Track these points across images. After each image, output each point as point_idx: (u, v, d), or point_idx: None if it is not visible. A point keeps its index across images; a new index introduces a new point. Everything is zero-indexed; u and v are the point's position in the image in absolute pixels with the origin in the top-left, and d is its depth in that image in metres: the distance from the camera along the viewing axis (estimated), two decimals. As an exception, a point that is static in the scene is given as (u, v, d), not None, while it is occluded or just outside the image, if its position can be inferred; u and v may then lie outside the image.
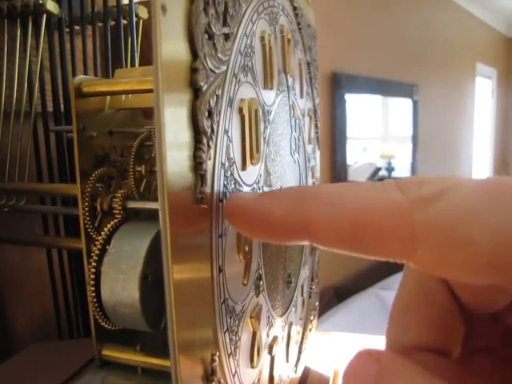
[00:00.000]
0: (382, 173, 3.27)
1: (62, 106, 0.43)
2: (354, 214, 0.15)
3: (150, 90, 0.31)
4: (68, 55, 0.44)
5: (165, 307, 0.16)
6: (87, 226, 0.32)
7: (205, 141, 0.18)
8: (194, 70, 0.18)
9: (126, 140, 0.37)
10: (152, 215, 0.34)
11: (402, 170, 3.03)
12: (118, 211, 0.32)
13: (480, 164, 3.73)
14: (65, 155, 0.41)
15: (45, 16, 0.42)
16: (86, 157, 0.33)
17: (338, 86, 2.38)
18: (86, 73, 0.44)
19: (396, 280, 2.10)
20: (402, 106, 2.90)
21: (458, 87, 3.30)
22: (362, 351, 0.15)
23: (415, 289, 0.17)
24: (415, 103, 2.89)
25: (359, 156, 2.86)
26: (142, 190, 0.34)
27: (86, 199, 0.32)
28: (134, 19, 0.45)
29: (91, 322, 0.33)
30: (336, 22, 2.15)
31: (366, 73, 2.52)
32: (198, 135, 0.18)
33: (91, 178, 0.32)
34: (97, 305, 0.30)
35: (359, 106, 2.69)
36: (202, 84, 0.18)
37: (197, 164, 0.18)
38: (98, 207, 0.33)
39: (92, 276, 0.30)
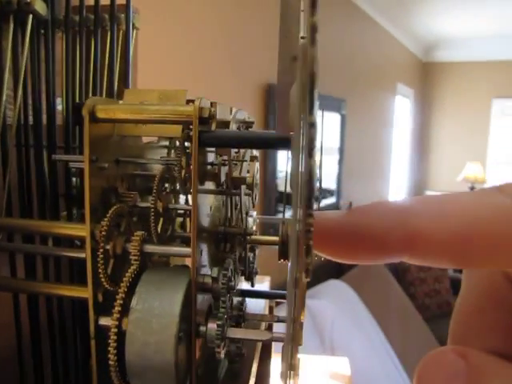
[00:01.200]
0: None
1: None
2: (466, 224, 0.14)
3: (183, 122, 0.27)
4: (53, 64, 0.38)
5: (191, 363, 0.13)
6: (100, 273, 0.27)
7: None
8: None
9: (133, 170, 0.33)
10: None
11: (328, 180, 3.12)
12: (135, 257, 0.28)
13: (397, 176, 3.96)
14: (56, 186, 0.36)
15: (31, 17, 0.36)
16: (95, 191, 0.29)
17: (273, 97, 2.43)
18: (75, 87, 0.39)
19: (323, 289, 2.15)
20: (330, 120, 3.00)
21: (380, 104, 3.49)
22: (443, 349, 0.14)
23: (488, 293, 0.16)
24: (343, 117, 3.00)
25: (287, 165, 2.93)
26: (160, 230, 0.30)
27: (99, 242, 0.28)
28: (131, 29, 0.41)
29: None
30: (273, 35, 2.17)
31: (299, 86, 2.57)
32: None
33: (107, 218, 0.28)
34: (117, 368, 0.26)
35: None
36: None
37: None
38: (111, 251, 0.28)
39: (114, 337, 0.25)
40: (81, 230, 0.28)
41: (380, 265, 2.57)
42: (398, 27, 3.45)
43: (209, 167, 0.30)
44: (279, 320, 0.41)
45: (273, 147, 0.26)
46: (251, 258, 0.43)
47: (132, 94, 0.32)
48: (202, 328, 0.28)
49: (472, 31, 3.67)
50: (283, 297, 0.49)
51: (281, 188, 2.41)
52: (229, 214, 0.36)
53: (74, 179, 0.40)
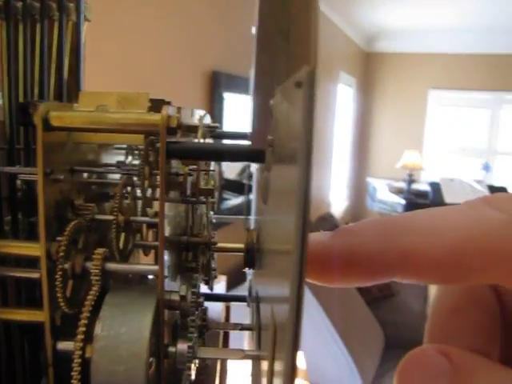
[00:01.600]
0: (252, 169, 3.38)
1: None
2: (458, 242, 0.14)
3: (148, 132, 0.25)
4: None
5: None
6: (59, 296, 0.25)
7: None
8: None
9: (89, 184, 0.30)
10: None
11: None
12: (97, 277, 0.26)
13: (339, 164, 4.05)
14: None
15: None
16: (48, 205, 0.26)
17: (217, 84, 2.41)
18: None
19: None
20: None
21: (323, 91, 3.54)
22: (425, 347, 0.14)
23: (466, 294, 0.17)
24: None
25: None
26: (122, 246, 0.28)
27: (56, 261, 0.25)
28: (82, 19, 0.38)
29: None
30: (219, 22, 2.15)
31: (244, 73, 2.57)
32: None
33: (65, 236, 0.25)
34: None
35: (235, 104, 2.74)
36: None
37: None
38: (69, 271, 0.26)
39: (78, 368, 0.23)
40: (35, 249, 0.26)
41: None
42: (341, 16, 3.50)
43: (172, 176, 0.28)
44: (243, 328, 0.40)
45: (246, 160, 0.24)
46: (213, 265, 0.41)
47: (88, 97, 0.29)
48: (172, 349, 0.27)
49: (412, 24, 3.80)
50: (243, 299, 0.49)
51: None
52: (191, 223, 0.34)
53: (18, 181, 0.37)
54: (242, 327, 0.40)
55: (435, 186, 3.33)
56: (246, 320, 0.63)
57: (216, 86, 2.41)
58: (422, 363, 0.14)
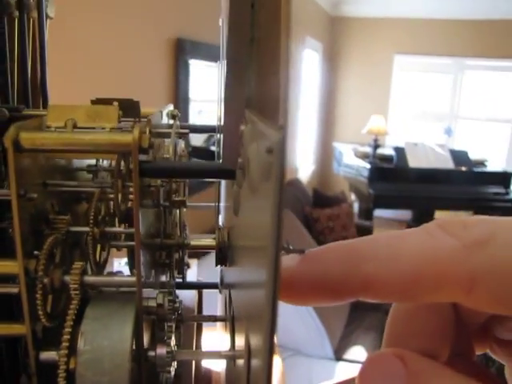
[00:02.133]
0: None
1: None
2: (414, 268, 0.16)
3: (120, 152, 0.26)
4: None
5: None
6: (39, 310, 0.26)
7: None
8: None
9: (62, 192, 0.31)
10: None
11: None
12: (76, 291, 0.27)
13: (306, 130, 4.07)
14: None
15: None
16: (23, 221, 0.27)
17: (182, 51, 2.36)
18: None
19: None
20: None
21: (292, 57, 3.50)
22: (384, 352, 0.16)
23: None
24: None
25: (195, 118, 2.92)
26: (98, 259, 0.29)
27: (35, 278, 0.26)
28: (44, 17, 0.37)
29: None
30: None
31: (210, 40, 2.52)
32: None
33: (43, 253, 0.26)
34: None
35: (201, 71, 2.70)
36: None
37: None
38: (48, 286, 0.27)
39: (63, 381, 0.24)
40: (12, 267, 0.26)
41: (293, 217, 2.68)
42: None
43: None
44: (216, 319, 0.42)
45: (217, 177, 0.25)
46: (185, 258, 0.43)
47: (57, 111, 0.29)
48: (151, 353, 0.28)
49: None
50: (215, 286, 0.50)
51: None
52: (164, 226, 0.35)
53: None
54: (216, 319, 0.42)
55: (399, 151, 3.40)
56: (218, 304, 0.65)
57: (181, 54, 2.36)
58: (380, 366, 0.16)
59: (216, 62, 2.82)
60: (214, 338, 0.58)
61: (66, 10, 1.18)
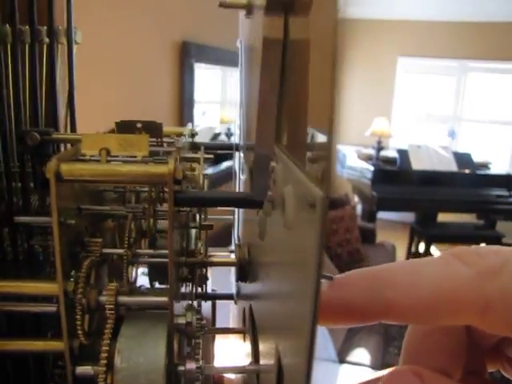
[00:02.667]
0: (222, 138, 3.38)
1: None
2: (432, 294, 0.17)
3: (155, 183, 0.27)
4: None
5: None
6: (78, 329, 0.28)
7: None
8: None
9: (95, 216, 0.32)
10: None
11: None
12: (111, 311, 0.29)
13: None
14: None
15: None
16: (62, 248, 0.28)
17: (187, 55, 2.38)
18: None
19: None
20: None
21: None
22: (402, 368, 0.18)
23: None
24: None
25: (199, 120, 2.94)
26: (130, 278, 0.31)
27: (73, 299, 0.28)
28: (74, 44, 0.39)
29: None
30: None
31: (215, 43, 2.53)
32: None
33: (82, 276, 0.28)
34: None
35: (206, 74, 2.73)
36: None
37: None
38: (85, 307, 0.28)
39: (102, 397, 0.26)
40: (52, 288, 0.28)
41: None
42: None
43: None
44: (235, 331, 0.44)
45: (246, 207, 0.27)
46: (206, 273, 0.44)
47: (89, 140, 0.31)
48: (181, 368, 0.30)
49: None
50: (230, 298, 0.52)
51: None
52: (185, 244, 0.37)
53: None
54: (235, 331, 0.43)
55: (403, 153, 3.41)
56: (230, 314, 0.67)
57: (186, 57, 2.38)
58: (398, 382, 0.18)
59: (220, 65, 2.84)
60: (224, 344, 0.60)
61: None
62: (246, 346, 0.46)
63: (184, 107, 2.49)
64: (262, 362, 0.32)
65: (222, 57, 2.72)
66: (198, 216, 0.31)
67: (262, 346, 0.32)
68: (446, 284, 0.17)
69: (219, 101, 3.35)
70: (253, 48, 0.33)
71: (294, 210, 0.19)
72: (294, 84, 0.23)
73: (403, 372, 0.18)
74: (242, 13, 0.47)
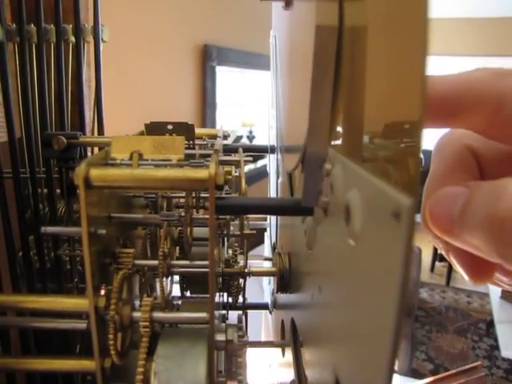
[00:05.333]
0: (243, 141, 3.37)
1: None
2: (453, 85, 0.19)
3: (195, 189, 0.25)
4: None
5: None
6: (111, 349, 0.25)
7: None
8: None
9: (126, 225, 0.30)
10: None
11: (264, 137, 3.13)
12: (146, 328, 0.26)
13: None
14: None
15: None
16: (92, 259, 0.26)
17: (209, 57, 2.37)
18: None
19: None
20: (266, 78, 2.97)
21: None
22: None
23: (455, 159, 0.21)
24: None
25: (221, 122, 2.94)
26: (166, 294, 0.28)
27: (104, 316, 0.25)
28: (101, 43, 0.37)
29: None
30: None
31: (237, 45, 2.53)
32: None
33: (114, 293, 0.25)
34: None
35: (228, 77, 2.72)
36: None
37: None
38: (118, 324, 0.26)
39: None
40: (83, 304, 0.26)
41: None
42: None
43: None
44: (274, 345, 0.41)
45: (294, 214, 0.24)
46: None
47: (121, 143, 0.28)
48: (222, 389, 0.28)
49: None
50: (265, 307, 0.49)
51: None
52: (224, 255, 0.34)
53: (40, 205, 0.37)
54: (276, 345, 0.40)
55: (427, 154, 3.34)
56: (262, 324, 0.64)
57: (208, 60, 2.38)
58: (446, 191, 0.18)
59: (241, 67, 2.83)
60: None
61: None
62: (280, 357, 0.43)
63: (206, 110, 2.49)
64: (310, 378, 0.29)
65: (243, 59, 2.71)
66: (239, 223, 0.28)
67: (308, 361, 0.29)
68: (465, 80, 0.19)
69: (240, 103, 3.34)
70: (294, 41, 0.31)
71: (363, 220, 0.17)
72: (356, 75, 0.20)
73: (446, 186, 0.18)
74: (276, 7, 0.44)
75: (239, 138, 3.41)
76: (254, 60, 2.80)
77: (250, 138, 3.44)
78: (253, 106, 3.24)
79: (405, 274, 0.14)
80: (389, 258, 0.14)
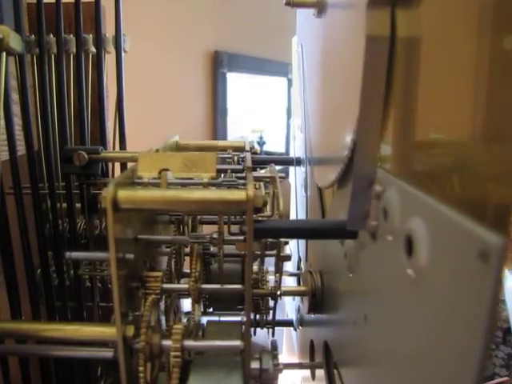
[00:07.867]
0: (254, 146, 3.36)
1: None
2: None
3: (231, 212, 0.23)
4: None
5: None
6: (141, 380, 0.24)
7: None
8: None
9: (151, 246, 0.28)
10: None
11: (275, 142, 3.12)
12: (177, 358, 0.24)
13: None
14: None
15: (4, 55, 0.29)
16: (120, 285, 0.24)
17: (220, 64, 2.37)
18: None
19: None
20: (276, 84, 2.96)
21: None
22: None
23: None
24: (290, 81, 2.96)
25: (231, 129, 2.92)
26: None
27: (133, 345, 0.24)
28: (122, 53, 0.35)
29: None
30: (218, 1, 2.10)
31: (247, 51, 2.52)
32: None
33: (143, 319, 0.24)
34: None
35: (238, 83, 2.71)
36: None
37: None
38: (147, 355, 0.24)
39: None
40: (110, 333, 0.24)
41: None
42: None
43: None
44: (304, 367, 0.40)
45: (337, 238, 0.23)
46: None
47: (148, 160, 0.27)
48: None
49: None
50: (290, 324, 0.48)
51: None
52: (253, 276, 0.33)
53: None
54: (309, 366, 0.39)
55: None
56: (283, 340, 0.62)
57: (218, 66, 2.37)
58: None
59: (252, 73, 2.82)
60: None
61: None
62: (307, 375, 0.41)
63: (217, 116, 2.48)
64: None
65: (253, 65, 2.70)
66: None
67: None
68: None
69: (251, 109, 3.33)
70: (331, 51, 0.29)
71: (431, 253, 0.15)
72: (413, 88, 0.18)
73: None
74: (301, 14, 0.43)
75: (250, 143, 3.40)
76: (265, 66, 2.79)
77: (261, 143, 3.42)
78: (263, 112, 3.23)
79: (491, 319, 0.12)
80: (471, 300, 0.12)
